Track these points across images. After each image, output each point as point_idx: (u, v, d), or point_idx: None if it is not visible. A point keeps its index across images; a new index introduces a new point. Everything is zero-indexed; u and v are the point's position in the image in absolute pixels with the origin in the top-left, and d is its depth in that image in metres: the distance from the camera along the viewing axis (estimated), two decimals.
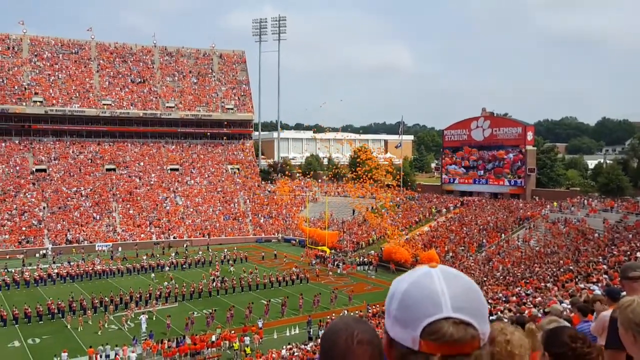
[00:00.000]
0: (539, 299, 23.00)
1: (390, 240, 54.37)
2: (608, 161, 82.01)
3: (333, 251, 56.02)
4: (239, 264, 52.91)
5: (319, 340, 1.51)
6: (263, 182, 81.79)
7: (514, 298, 25.63)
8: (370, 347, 1.39)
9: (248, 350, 29.56)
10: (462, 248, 51.34)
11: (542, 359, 2.45)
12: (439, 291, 1.26)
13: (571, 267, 35.48)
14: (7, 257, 53.72)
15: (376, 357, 1.38)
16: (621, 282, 4.02)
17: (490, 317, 14.94)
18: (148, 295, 39.38)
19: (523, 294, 26.47)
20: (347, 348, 1.37)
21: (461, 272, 1.36)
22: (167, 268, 49.80)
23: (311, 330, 32.54)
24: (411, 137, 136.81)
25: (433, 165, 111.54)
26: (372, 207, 66.27)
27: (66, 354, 28.03)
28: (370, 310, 35.47)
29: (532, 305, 20.48)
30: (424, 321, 1.24)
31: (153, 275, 47.28)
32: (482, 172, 66.02)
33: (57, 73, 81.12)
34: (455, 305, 1.25)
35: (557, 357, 2.39)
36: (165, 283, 42.63)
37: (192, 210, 71.27)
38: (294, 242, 65.31)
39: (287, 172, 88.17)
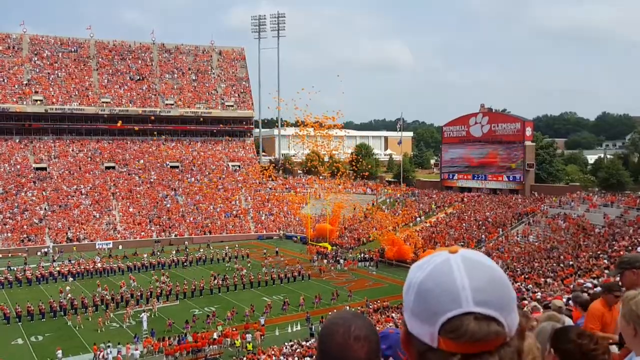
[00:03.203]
0: (539, 294, 23.10)
1: (388, 232, 54.10)
2: (608, 156, 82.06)
3: (334, 247, 56.12)
4: (240, 260, 53.02)
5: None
6: (264, 179, 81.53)
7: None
8: (367, 343, 1.36)
9: (250, 347, 29.71)
10: (462, 244, 51.42)
11: (549, 357, 2.46)
12: (459, 284, 1.11)
13: (571, 263, 35.62)
14: (10, 255, 53.88)
15: (373, 353, 1.36)
16: (623, 274, 3.97)
17: None
18: (149, 293, 39.51)
19: (523, 289, 26.59)
20: (345, 343, 1.34)
21: (485, 255, 1.20)
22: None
23: (312, 327, 32.62)
24: (411, 134, 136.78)
25: (432, 161, 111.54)
26: (373, 204, 66.30)
27: (60, 351, 28.14)
28: (370, 307, 35.62)
29: (532, 300, 20.57)
30: (442, 317, 1.11)
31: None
32: (481, 168, 66.02)
33: (56, 72, 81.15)
34: (477, 298, 1.10)
35: (563, 354, 2.41)
36: (158, 283, 41.96)
37: (192, 207, 71.33)
38: (295, 239, 65.45)
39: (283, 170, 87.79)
